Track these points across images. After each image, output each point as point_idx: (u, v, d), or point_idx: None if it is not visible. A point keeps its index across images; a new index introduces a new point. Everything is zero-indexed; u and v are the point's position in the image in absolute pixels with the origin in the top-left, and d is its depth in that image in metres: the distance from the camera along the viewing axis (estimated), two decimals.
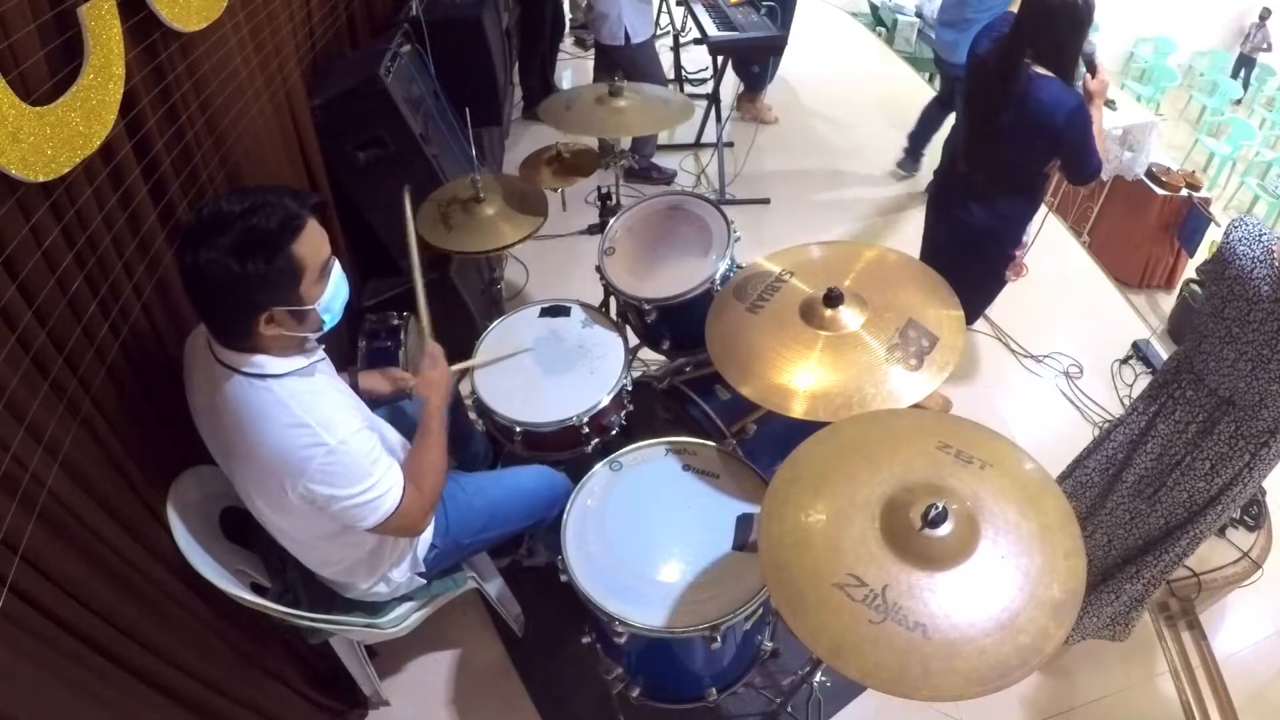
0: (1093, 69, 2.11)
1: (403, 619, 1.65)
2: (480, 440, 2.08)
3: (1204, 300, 1.62)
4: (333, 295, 1.27)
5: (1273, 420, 1.57)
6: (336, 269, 1.28)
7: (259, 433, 1.22)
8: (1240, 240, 1.52)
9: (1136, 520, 1.83)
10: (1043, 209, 2.52)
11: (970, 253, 2.40)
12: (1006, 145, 2.15)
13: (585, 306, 2.08)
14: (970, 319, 2.86)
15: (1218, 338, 1.56)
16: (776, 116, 4.64)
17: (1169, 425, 1.71)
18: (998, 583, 1.05)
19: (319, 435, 1.22)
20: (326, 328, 1.30)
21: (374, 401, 1.72)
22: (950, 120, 2.79)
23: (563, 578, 1.47)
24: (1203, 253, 3.53)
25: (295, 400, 1.23)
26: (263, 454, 1.22)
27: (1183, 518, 1.76)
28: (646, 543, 1.52)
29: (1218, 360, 1.58)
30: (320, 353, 1.34)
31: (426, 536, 1.61)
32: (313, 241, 1.21)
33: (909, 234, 2.73)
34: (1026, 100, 2.03)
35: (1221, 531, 2.38)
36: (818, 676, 1.82)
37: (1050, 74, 2.03)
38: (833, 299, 1.54)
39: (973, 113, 2.23)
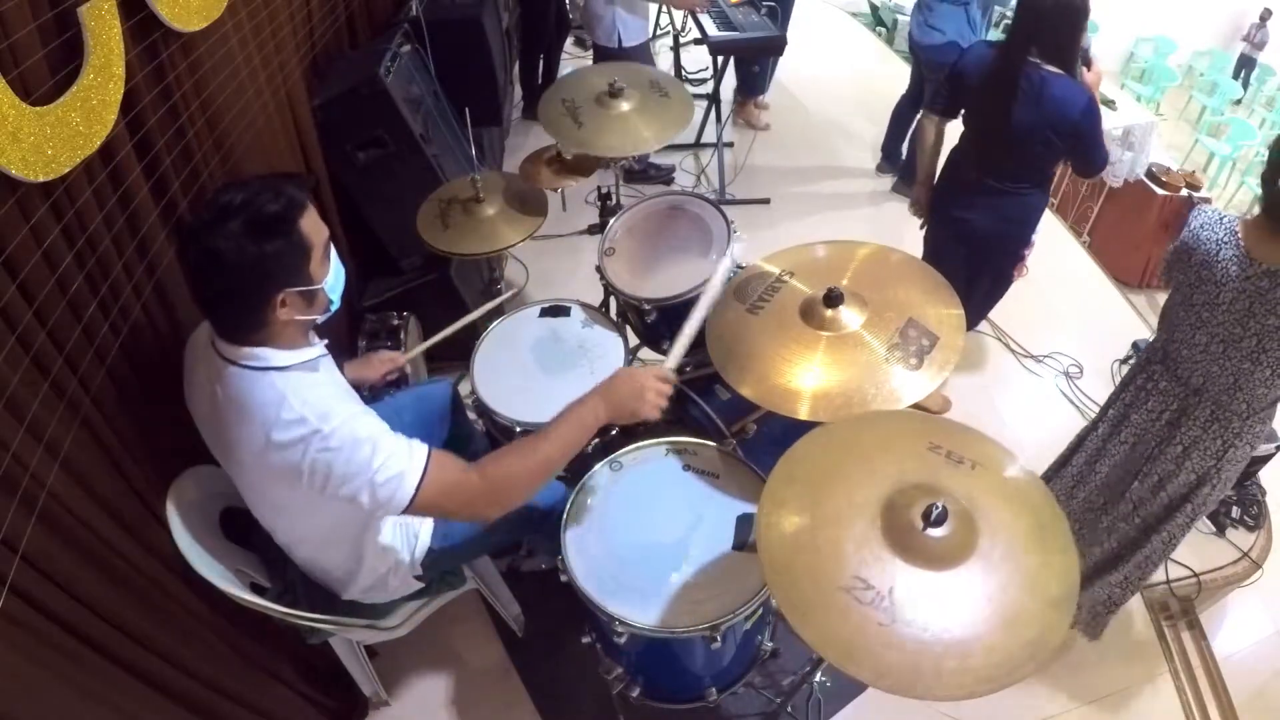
0: (1088, 63, 2.14)
1: (403, 619, 1.65)
2: (480, 440, 2.07)
3: (1172, 292, 1.64)
4: (335, 275, 1.30)
5: (1246, 405, 1.56)
6: (334, 251, 1.31)
7: (259, 424, 1.21)
8: (1203, 226, 1.53)
9: (1117, 523, 1.82)
10: None
11: (980, 257, 2.40)
12: (1023, 144, 2.16)
13: (585, 306, 2.08)
14: (974, 322, 2.86)
15: (1189, 325, 1.57)
16: (768, 123, 4.58)
17: (1142, 415, 1.72)
18: (999, 580, 1.05)
19: (316, 425, 1.20)
20: (333, 308, 1.32)
21: (369, 391, 1.72)
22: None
23: (563, 578, 1.47)
24: None
25: (295, 394, 1.22)
26: (261, 445, 1.22)
27: (1159, 514, 1.76)
28: (646, 543, 1.52)
29: (1189, 347, 1.58)
30: (323, 348, 1.34)
31: (425, 541, 1.61)
32: (313, 220, 1.24)
33: (909, 233, 2.72)
34: (1042, 99, 2.05)
35: (1221, 531, 2.38)
36: (818, 676, 1.81)
37: (1058, 70, 2.05)
38: (833, 299, 1.54)
39: (983, 119, 2.23)
